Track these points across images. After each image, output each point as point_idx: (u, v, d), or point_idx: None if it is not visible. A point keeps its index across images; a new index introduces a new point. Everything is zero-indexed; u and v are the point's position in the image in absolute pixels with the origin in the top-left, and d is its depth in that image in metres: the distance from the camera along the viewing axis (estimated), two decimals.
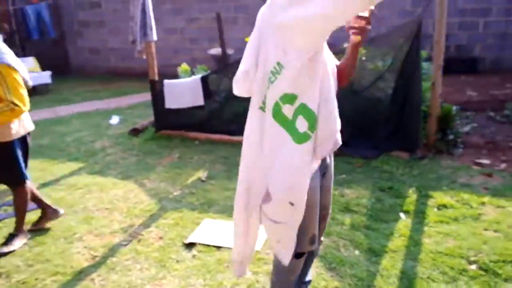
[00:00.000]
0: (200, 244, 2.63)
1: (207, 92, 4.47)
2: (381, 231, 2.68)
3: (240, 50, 6.93)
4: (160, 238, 2.75)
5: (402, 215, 2.86)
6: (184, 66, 4.92)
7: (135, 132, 4.86)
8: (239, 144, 4.16)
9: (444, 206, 2.92)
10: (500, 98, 5.14)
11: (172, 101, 4.50)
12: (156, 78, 4.66)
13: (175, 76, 5.14)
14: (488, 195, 3.01)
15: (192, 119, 4.70)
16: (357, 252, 2.48)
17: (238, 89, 1.63)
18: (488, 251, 2.40)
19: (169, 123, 4.71)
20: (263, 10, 1.50)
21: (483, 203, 2.92)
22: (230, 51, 6.29)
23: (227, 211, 3.06)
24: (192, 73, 4.96)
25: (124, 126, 5.28)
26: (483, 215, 2.78)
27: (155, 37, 4.43)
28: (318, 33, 1.30)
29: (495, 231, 2.61)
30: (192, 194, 3.35)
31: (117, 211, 3.13)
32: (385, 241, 2.57)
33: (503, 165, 3.50)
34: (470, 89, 5.63)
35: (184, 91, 4.46)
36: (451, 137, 3.79)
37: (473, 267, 2.30)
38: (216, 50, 6.44)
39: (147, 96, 6.21)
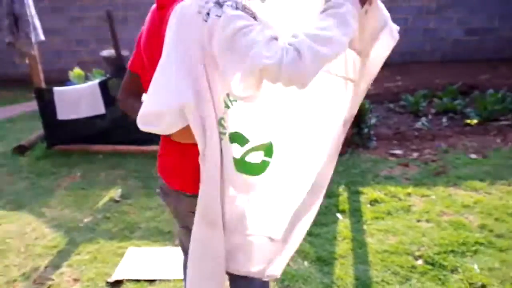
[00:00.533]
0: (128, 280, 2.24)
1: (108, 99, 3.96)
2: (323, 236, 2.57)
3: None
4: (76, 280, 2.28)
5: (339, 215, 2.80)
6: (77, 71, 4.32)
7: (20, 150, 4.11)
8: (151, 154, 3.81)
9: (376, 201, 2.93)
10: (393, 90, 5.49)
11: (65, 111, 3.89)
12: (43, 85, 3.99)
13: (61, 82, 4.51)
14: (411, 186, 3.10)
15: (92, 130, 4.12)
16: (306, 263, 2.33)
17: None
18: (428, 243, 2.44)
19: (64, 136, 4.07)
20: (187, 11, 1.07)
21: (409, 194, 3.00)
22: (125, 53, 5.73)
23: (152, 235, 2.69)
24: (87, 79, 4.37)
25: (4, 144, 4.44)
26: (412, 206, 2.85)
27: (42, 37, 3.78)
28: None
29: (427, 221, 2.68)
30: (106, 219, 2.89)
31: (12, 253, 2.54)
32: (331, 247, 2.46)
33: (415, 154, 3.67)
34: None
35: (79, 99, 3.89)
36: (365, 130, 3.89)
37: (420, 262, 2.31)
38: (109, 52, 5.80)
39: (28, 106, 5.41)
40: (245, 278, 1.36)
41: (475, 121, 4.24)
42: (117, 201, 3.11)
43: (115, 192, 3.22)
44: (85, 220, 2.89)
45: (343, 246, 2.47)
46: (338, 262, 2.34)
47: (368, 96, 4.91)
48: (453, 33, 6.49)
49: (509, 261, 2.26)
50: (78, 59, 7.04)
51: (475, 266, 2.23)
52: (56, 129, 4.05)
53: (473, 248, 2.37)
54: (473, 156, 3.54)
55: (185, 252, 1.56)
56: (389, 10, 1.13)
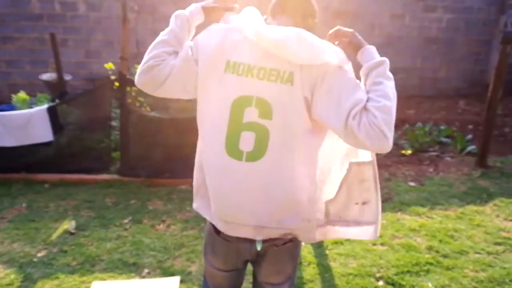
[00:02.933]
0: None
1: (56, 125, 3.79)
2: None
3: (76, 75, 6.18)
4: None
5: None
6: (22, 95, 4.08)
7: None
8: (103, 184, 3.69)
9: None
10: None
11: (8, 138, 3.64)
12: None
13: None
14: None
15: (34, 158, 3.89)
16: None
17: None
18: (386, 265, 2.64)
19: (4, 164, 3.79)
20: None
21: None
22: (67, 77, 5.51)
23: (117, 267, 2.60)
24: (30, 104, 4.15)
25: None
26: None
27: None
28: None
29: (382, 244, 2.90)
30: (63, 252, 2.73)
31: None
32: (298, 272, 2.56)
33: None
34: None
35: (24, 125, 3.67)
36: None
37: (381, 283, 2.49)
38: (49, 76, 5.55)
39: None
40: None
41: (409, 151, 4.67)
42: (72, 233, 2.96)
43: (69, 224, 3.06)
44: (39, 254, 2.71)
45: (309, 271, 2.59)
46: (308, 286, 2.45)
47: None
48: None
49: (457, 278, 2.53)
50: (10, 81, 6.63)
51: (429, 284, 2.46)
52: None
53: (425, 268, 2.62)
54: (412, 183, 3.90)
55: None
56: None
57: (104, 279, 2.47)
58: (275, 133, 1.23)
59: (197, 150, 1.43)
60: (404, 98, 6.94)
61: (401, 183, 3.91)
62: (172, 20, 1.39)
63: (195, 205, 1.49)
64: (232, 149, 1.27)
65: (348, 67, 1.23)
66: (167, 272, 2.54)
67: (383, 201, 3.47)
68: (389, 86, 1.21)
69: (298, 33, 1.21)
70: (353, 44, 1.30)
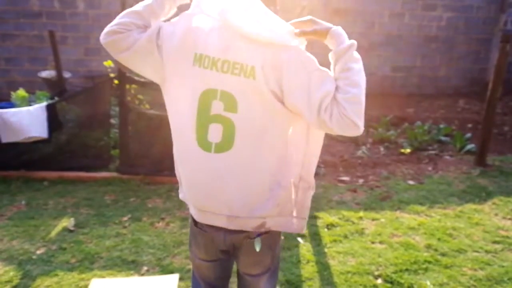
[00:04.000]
0: None
1: (55, 123, 3.79)
2: (289, 260, 2.67)
3: (75, 73, 6.17)
4: None
5: (300, 239, 2.92)
6: (21, 92, 4.07)
7: None
8: (102, 181, 3.69)
9: (332, 225, 3.11)
10: None
11: (8, 135, 3.64)
12: None
13: None
14: (361, 210, 3.34)
15: (33, 155, 3.90)
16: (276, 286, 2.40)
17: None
18: (384, 263, 2.65)
19: (3, 161, 3.79)
20: None
21: (361, 218, 3.22)
22: (66, 74, 5.50)
23: (116, 264, 2.60)
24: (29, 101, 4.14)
25: None
26: (365, 229, 3.07)
27: None
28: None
29: (380, 242, 2.91)
30: (63, 250, 2.74)
31: None
32: (297, 270, 2.57)
33: (360, 180, 3.96)
34: None
35: (23, 121, 3.66)
36: None
37: (380, 281, 2.50)
38: (48, 73, 5.54)
39: None
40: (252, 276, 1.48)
41: (408, 150, 4.67)
42: (71, 231, 2.97)
43: (68, 221, 3.06)
44: (38, 252, 2.71)
45: (308, 269, 2.59)
46: (306, 284, 2.45)
47: None
48: (381, 69, 7.12)
49: (455, 276, 2.53)
50: (9, 78, 6.62)
51: (428, 283, 2.46)
52: None
53: (424, 266, 2.62)
54: (411, 182, 3.91)
55: (206, 282, 1.57)
56: (325, 45, 1.33)
57: (103, 277, 2.47)
58: (241, 126, 1.25)
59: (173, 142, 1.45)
60: (403, 96, 6.96)
61: (400, 181, 3.91)
62: None
63: (181, 195, 1.51)
64: (202, 140, 1.29)
65: (309, 57, 1.23)
66: (166, 270, 2.55)
67: (382, 200, 3.49)
68: (358, 71, 1.22)
69: (265, 13, 1.25)
70: (318, 31, 1.28)
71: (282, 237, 1.56)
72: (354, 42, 1.24)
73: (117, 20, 1.32)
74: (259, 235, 1.39)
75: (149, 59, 1.31)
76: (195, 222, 1.44)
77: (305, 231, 1.46)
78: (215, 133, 1.26)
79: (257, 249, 1.38)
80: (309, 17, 1.30)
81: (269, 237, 1.41)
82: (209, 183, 1.31)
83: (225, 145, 1.26)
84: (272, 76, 1.21)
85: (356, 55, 1.24)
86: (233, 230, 1.37)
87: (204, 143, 1.28)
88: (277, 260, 1.54)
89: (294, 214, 1.38)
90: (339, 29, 1.26)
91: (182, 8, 1.43)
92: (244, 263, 1.49)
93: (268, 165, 1.29)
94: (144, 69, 1.36)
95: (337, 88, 1.20)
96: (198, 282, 1.62)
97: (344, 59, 1.21)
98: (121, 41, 1.30)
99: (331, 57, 1.26)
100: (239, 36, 1.23)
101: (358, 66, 1.23)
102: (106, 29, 1.31)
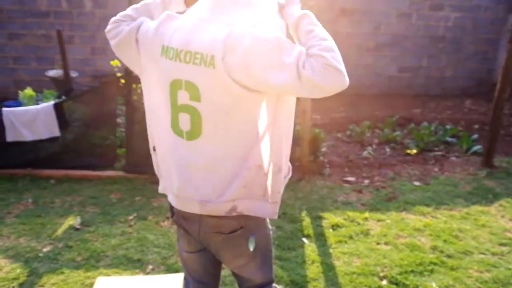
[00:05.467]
0: None
1: (62, 122, 3.81)
2: (293, 261, 2.67)
3: (82, 72, 6.20)
4: None
5: (304, 240, 2.92)
6: (29, 91, 4.10)
7: None
8: (107, 180, 3.71)
9: (337, 225, 3.11)
10: (340, 121, 5.85)
11: (15, 134, 3.67)
12: None
13: None
14: (367, 211, 3.33)
15: (40, 154, 3.93)
16: (281, 287, 2.41)
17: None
18: (390, 264, 2.64)
19: (10, 160, 3.82)
20: None
21: (366, 219, 3.21)
22: (73, 73, 5.54)
23: (121, 263, 2.62)
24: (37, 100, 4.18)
25: None
26: (370, 230, 3.06)
27: None
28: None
29: (386, 243, 2.90)
30: (69, 248, 2.76)
31: None
32: (302, 270, 2.57)
33: (366, 181, 3.94)
34: (313, 114, 6.24)
35: (32, 121, 3.70)
36: (320, 158, 4.11)
37: (385, 282, 2.49)
38: (55, 72, 5.58)
39: None
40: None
41: (414, 151, 4.65)
42: (77, 229, 2.99)
43: (74, 220, 3.08)
44: (45, 249, 2.73)
45: (313, 270, 2.59)
46: (311, 285, 2.45)
47: (317, 125, 5.26)
48: (388, 69, 7.09)
49: (461, 278, 2.52)
50: (16, 77, 6.67)
51: (433, 284, 2.45)
52: (2, 152, 3.80)
53: (429, 268, 2.61)
54: (417, 183, 3.89)
55: (195, 279, 1.58)
56: None
57: (109, 275, 2.49)
58: (206, 114, 1.28)
59: (149, 133, 1.51)
60: (410, 97, 6.93)
61: (406, 182, 3.89)
62: None
63: (161, 187, 1.53)
64: (176, 128, 1.34)
65: (272, 34, 1.24)
66: (171, 269, 2.56)
67: (387, 200, 3.48)
68: (322, 30, 1.25)
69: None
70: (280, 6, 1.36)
71: (270, 227, 1.55)
72: (308, 11, 1.30)
73: (120, 13, 1.47)
74: (237, 230, 1.39)
75: (129, 50, 1.41)
76: (172, 214, 1.49)
77: (276, 217, 1.43)
78: (184, 122, 1.32)
79: (251, 248, 1.39)
80: None
81: (244, 230, 1.41)
82: (182, 168, 1.36)
83: (194, 133, 1.31)
84: (236, 63, 1.21)
85: (316, 21, 1.28)
86: (206, 226, 1.39)
87: (177, 131, 1.34)
88: (264, 249, 1.52)
89: (266, 198, 1.38)
90: (294, 6, 1.35)
91: None
92: (226, 258, 1.50)
93: (236, 149, 1.31)
94: (126, 59, 1.46)
95: (309, 46, 1.20)
96: (188, 280, 1.64)
97: (304, 23, 1.27)
98: (113, 30, 1.44)
99: (290, 28, 1.33)
100: (203, 27, 1.27)
101: (320, 28, 1.26)
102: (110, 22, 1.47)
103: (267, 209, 1.39)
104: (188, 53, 1.26)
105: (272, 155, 1.35)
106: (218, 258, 1.53)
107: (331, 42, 1.21)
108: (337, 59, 1.17)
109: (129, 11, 1.47)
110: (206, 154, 1.31)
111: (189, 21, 1.31)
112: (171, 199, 1.45)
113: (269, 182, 1.36)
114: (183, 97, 1.30)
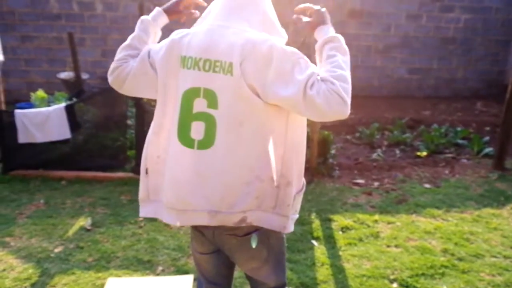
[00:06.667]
0: None
1: (73, 123, 3.85)
2: (303, 263, 2.67)
3: (93, 74, 6.26)
4: None
5: (314, 242, 2.92)
6: (40, 93, 4.15)
7: None
8: (118, 181, 3.74)
9: (347, 228, 3.10)
10: (349, 122, 5.83)
11: (27, 135, 3.72)
12: (3, 107, 3.80)
13: (10, 103, 4.46)
14: (377, 213, 3.31)
15: (51, 155, 3.97)
16: None
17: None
18: (400, 267, 2.62)
19: (22, 161, 3.87)
20: None
21: (376, 221, 3.20)
22: (84, 76, 5.59)
23: (132, 264, 2.63)
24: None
25: None
26: (380, 233, 3.04)
27: (1, 57, 3.63)
28: None
29: (396, 246, 2.88)
30: (80, 248, 2.78)
31: None
32: (311, 273, 2.57)
33: (376, 183, 3.93)
34: None
35: (44, 122, 3.74)
36: (330, 160, 4.10)
37: (395, 285, 2.47)
38: (67, 74, 5.64)
39: None
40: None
41: (424, 153, 4.62)
42: (88, 230, 3.01)
43: (85, 221, 3.11)
44: (56, 250, 2.76)
45: (323, 272, 2.58)
46: (321, 287, 2.44)
47: (326, 128, 5.27)
48: (397, 71, 7.06)
49: (472, 282, 2.49)
50: (28, 79, 6.75)
51: (445, 287, 2.44)
52: (15, 153, 3.85)
53: (440, 271, 2.59)
54: (427, 185, 3.86)
55: (208, 280, 1.59)
56: None
57: (119, 276, 2.50)
58: (222, 122, 1.29)
59: (144, 155, 1.48)
60: (420, 99, 6.89)
61: (416, 185, 3.87)
62: (137, 25, 1.53)
63: (145, 210, 1.50)
64: (184, 138, 1.34)
65: (291, 48, 1.28)
66: (181, 270, 2.57)
67: (397, 203, 3.46)
68: (343, 59, 1.28)
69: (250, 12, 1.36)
70: (312, 23, 1.39)
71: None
72: (339, 36, 1.33)
73: (115, 58, 1.49)
74: (251, 232, 1.39)
75: (145, 78, 1.43)
76: None
77: (289, 231, 1.43)
78: (197, 130, 1.32)
79: (253, 245, 1.39)
80: (318, 8, 1.39)
81: (259, 233, 1.41)
82: (191, 179, 1.34)
83: (207, 141, 1.31)
84: (252, 70, 1.25)
85: (345, 47, 1.32)
86: (220, 228, 1.38)
87: (186, 140, 1.33)
88: (277, 252, 1.53)
89: (276, 210, 1.38)
90: (329, 27, 1.36)
91: (166, 29, 1.58)
92: (241, 260, 1.51)
93: (248, 160, 1.32)
94: (143, 90, 1.49)
95: (325, 70, 1.25)
96: (201, 280, 1.65)
97: (329, 46, 1.30)
98: (122, 72, 1.46)
99: (316, 47, 1.34)
100: (220, 34, 1.30)
101: (344, 57, 1.29)
102: (109, 71, 1.49)
103: (277, 222, 1.39)
104: (208, 61, 1.29)
105: (283, 169, 1.36)
106: (232, 260, 1.53)
107: (346, 73, 1.24)
108: (345, 89, 1.20)
109: (125, 51, 1.49)
110: (217, 163, 1.31)
111: (204, 30, 1.33)
112: (169, 219, 1.42)
113: (280, 195, 1.37)
114: (200, 105, 1.30)
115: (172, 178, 1.38)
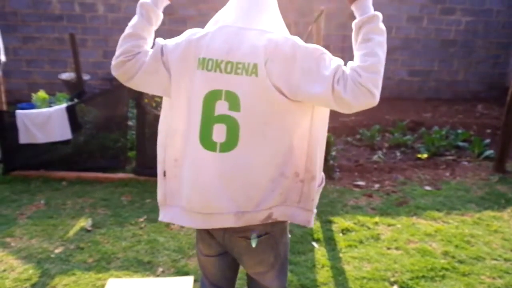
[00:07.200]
0: None
1: (74, 124, 3.86)
2: (303, 265, 2.67)
3: (94, 75, 6.26)
4: None
5: (314, 244, 2.92)
6: (42, 94, 4.16)
7: None
8: (118, 182, 3.74)
9: (347, 230, 3.09)
10: (349, 124, 5.83)
11: (28, 136, 3.72)
12: (5, 107, 3.81)
13: (11, 104, 4.46)
14: (377, 215, 3.31)
15: (52, 156, 3.98)
16: None
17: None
18: (400, 270, 2.62)
19: (23, 161, 3.88)
20: None
21: (376, 223, 3.20)
22: (85, 76, 5.60)
23: (132, 265, 2.63)
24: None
25: None
26: (381, 235, 3.04)
27: (3, 58, 3.64)
28: None
29: (396, 248, 2.88)
30: (80, 249, 2.78)
31: None
32: (312, 275, 2.56)
33: (376, 185, 3.92)
34: None
35: (45, 123, 3.75)
36: (330, 162, 4.10)
37: (396, 287, 2.47)
38: (68, 75, 5.66)
39: None
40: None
41: (425, 155, 4.62)
42: (88, 231, 3.01)
43: (86, 221, 3.11)
44: (57, 250, 2.76)
45: (323, 274, 2.58)
46: None
47: (327, 129, 5.25)
48: (398, 73, 7.06)
49: (473, 284, 2.49)
50: (29, 79, 6.76)
51: None
52: (15, 154, 3.85)
53: (441, 273, 2.58)
54: (428, 188, 3.86)
55: (212, 282, 1.59)
56: (343, 50, 1.35)
57: (120, 277, 2.50)
58: (244, 124, 1.28)
59: (162, 158, 1.47)
60: (420, 101, 6.89)
61: (416, 187, 3.87)
62: (137, 9, 1.42)
63: (165, 215, 1.52)
64: (206, 141, 1.32)
65: (312, 45, 1.28)
66: (181, 271, 2.57)
67: (398, 205, 3.46)
68: (379, 42, 1.26)
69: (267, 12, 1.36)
70: None
71: (289, 235, 1.56)
72: (379, 13, 1.29)
73: (118, 50, 1.39)
74: (263, 235, 1.39)
75: (156, 77, 1.38)
76: None
77: (311, 225, 1.45)
78: (219, 133, 1.30)
79: (253, 245, 1.39)
80: None
81: (269, 237, 1.42)
82: (216, 183, 1.33)
83: (230, 144, 1.30)
84: (276, 70, 1.25)
85: (382, 26, 1.28)
86: (232, 229, 1.38)
87: (208, 144, 1.32)
88: (283, 257, 1.54)
89: (300, 205, 1.39)
90: (368, 1, 1.31)
91: (166, 11, 1.51)
92: (248, 263, 1.50)
93: (272, 158, 1.32)
94: (153, 87, 1.43)
95: (356, 58, 1.24)
96: (204, 283, 1.64)
97: (367, 28, 1.27)
98: (132, 68, 1.38)
99: (354, 24, 1.30)
100: (241, 36, 1.29)
101: (380, 38, 1.27)
102: (114, 62, 1.40)
103: (302, 216, 1.40)
104: (229, 63, 1.27)
105: (308, 163, 1.37)
106: (239, 263, 1.54)
107: (378, 61, 1.23)
108: (373, 82, 1.20)
109: (129, 42, 1.38)
110: (241, 164, 1.30)
111: (224, 31, 1.32)
112: (192, 223, 1.41)
113: (304, 189, 1.38)
114: (221, 108, 1.29)
115: (195, 183, 1.36)
